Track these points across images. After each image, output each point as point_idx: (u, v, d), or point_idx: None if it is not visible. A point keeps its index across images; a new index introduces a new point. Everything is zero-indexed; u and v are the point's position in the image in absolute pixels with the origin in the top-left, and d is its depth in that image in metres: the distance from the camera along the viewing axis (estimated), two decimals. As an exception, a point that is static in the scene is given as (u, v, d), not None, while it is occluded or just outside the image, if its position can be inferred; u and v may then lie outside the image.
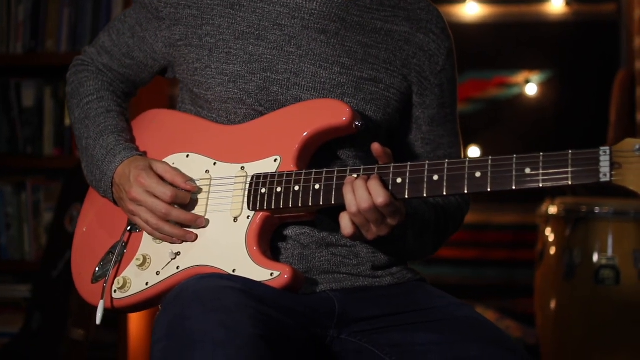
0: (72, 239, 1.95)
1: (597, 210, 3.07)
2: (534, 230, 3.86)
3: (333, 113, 1.69)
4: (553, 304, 3.21)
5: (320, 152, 1.73)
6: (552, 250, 3.21)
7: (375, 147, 1.61)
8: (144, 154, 1.83)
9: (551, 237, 3.24)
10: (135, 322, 3.50)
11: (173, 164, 1.80)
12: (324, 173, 1.65)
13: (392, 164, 1.61)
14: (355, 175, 1.61)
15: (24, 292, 3.67)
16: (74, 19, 3.73)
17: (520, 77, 4.10)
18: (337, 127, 1.69)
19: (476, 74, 4.03)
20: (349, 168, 1.64)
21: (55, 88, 3.75)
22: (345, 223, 1.60)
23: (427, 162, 1.59)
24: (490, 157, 1.55)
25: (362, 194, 1.58)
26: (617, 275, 3.01)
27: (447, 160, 1.57)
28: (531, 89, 4.08)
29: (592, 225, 3.07)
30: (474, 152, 4.25)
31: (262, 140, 1.74)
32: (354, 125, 1.68)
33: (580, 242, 3.08)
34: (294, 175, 1.67)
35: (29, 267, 3.68)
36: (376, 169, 1.62)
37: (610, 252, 3.04)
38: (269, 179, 1.69)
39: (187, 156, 1.80)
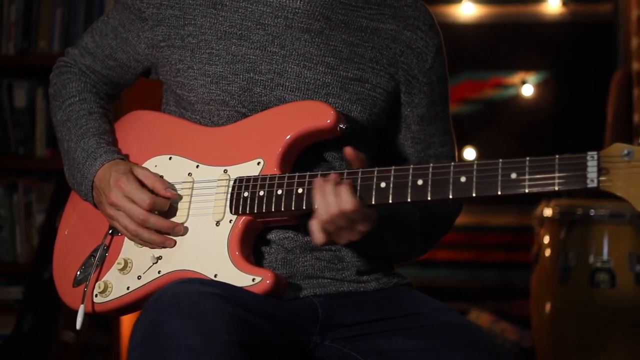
0: None
1: (592, 212, 3.04)
2: (530, 232, 3.83)
3: (317, 115, 1.67)
4: (548, 307, 3.18)
5: (305, 154, 1.71)
6: (547, 253, 3.18)
7: (348, 151, 1.58)
8: (126, 157, 1.80)
9: (546, 240, 3.21)
10: (128, 324, 3.48)
11: (155, 166, 1.77)
12: (307, 177, 1.63)
13: (376, 168, 1.58)
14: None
15: (16, 294, 3.64)
16: (66, 19, 3.71)
17: (516, 77, 4.07)
18: (321, 129, 1.67)
19: (472, 74, 4.00)
20: (331, 172, 1.61)
21: (48, 89, 3.71)
22: (317, 230, 1.57)
23: (412, 166, 1.56)
24: (475, 162, 1.52)
25: (330, 199, 1.55)
26: (612, 278, 2.98)
27: (431, 165, 1.55)
28: (527, 90, 4.06)
29: (587, 227, 3.04)
30: (469, 153, 4.22)
31: (245, 143, 1.71)
32: (338, 128, 1.66)
33: (576, 244, 3.05)
34: (277, 179, 1.64)
35: (21, 269, 3.65)
36: (360, 173, 1.59)
37: (605, 255, 3.01)
38: (251, 182, 1.66)
39: (170, 158, 1.78)
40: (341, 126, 1.66)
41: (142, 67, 1.88)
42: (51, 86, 1.95)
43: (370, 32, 1.77)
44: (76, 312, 1.79)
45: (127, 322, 3.49)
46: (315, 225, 1.57)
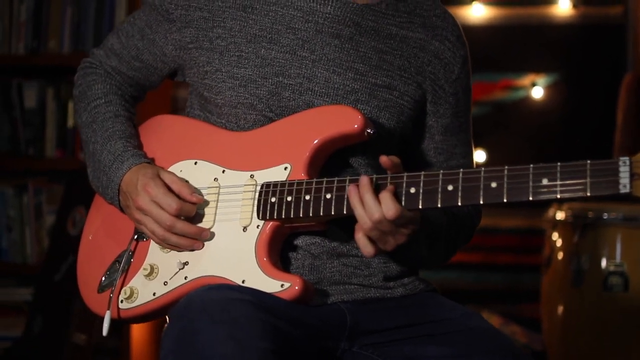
0: (76, 243, 1.93)
1: (605, 216, 3.04)
2: (540, 234, 3.83)
3: (345, 120, 1.66)
4: (560, 310, 3.18)
5: (332, 160, 1.70)
6: (560, 256, 3.18)
7: (383, 159, 1.58)
8: (152, 160, 1.80)
9: (559, 243, 3.21)
10: (139, 326, 3.47)
11: (180, 171, 1.77)
12: (336, 182, 1.62)
13: (406, 174, 1.58)
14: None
15: (26, 295, 3.63)
16: (76, 19, 3.70)
17: (526, 80, 4.07)
18: (348, 134, 1.66)
19: (482, 76, 3.99)
20: (363, 177, 1.60)
21: (58, 89, 3.72)
22: (363, 242, 1.57)
23: (442, 171, 1.55)
24: (506, 167, 1.52)
25: (371, 205, 1.54)
26: (625, 282, 2.98)
27: (461, 170, 1.54)
28: (537, 92, 4.05)
29: (600, 231, 3.04)
30: (479, 155, 4.21)
31: (271, 148, 1.71)
32: (365, 133, 1.65)
33: (589, 248, 3.05)
34: (304, 184, 1.64)
35: (31, 270, 3.64)
36: (389, 178, 1.58)
37: (618, 258, 3.01)
38: (279, 188, 1.66)
39: (195, 163, 1.77)
40: (369, 131, 1.65)
41: (169, 69, 1.87)
42: (76, 87, 1.94)
43: (399, 40, 1.77)
44: (90, 314, 1.79)
45: (138, 324, 3.48)
46: (361, 238, 1.56)
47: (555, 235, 3.25)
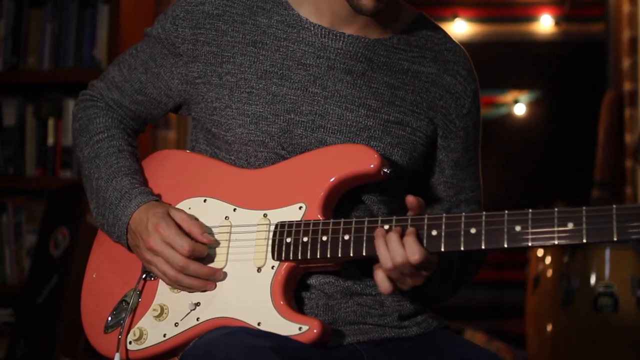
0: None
1: (595, 237, 3.04)
2: (524, 250, 3.85)
3: (361, 159, 1.64)
4: (549, 328, 3.19)
5: (344, 196, 1.67)
6: (549, 275, 3.19)
7: (410, 200, 1.56)
8: (159, 197, 1.76)
9: (547, 261, 3.22)
10: (125, 351, 3.42)
11: (189, 209, 1.73)
12: (354, 223, 1.59)
13: (427, 215, 1.56)
14: (386, 227, 1.56)
15: (6, 316, 3.57)
16: (56, 35, 3.65)
17: (508, 96, 4.08)
18: (365, 174, 1.64)
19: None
20: (380, 218, 1.58)
21: (37, 106, 3.67)
22: (382, 280, 1.55)
23: (464, 214, 1.54)
24: (530, 211, 1.51)
25: (395, 247, 1.52)
26: (615, 302, 2.99)
27: (484, 213, 1.53)
28: (520, 109, 4.07)
29: (590, 252, 3.06)
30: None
31: (285, 186, 1.68)
32: (382, 172, 1.63)
33: (579, 268, 3.06)
34: (321, 225, 1.61)
35: (11, 291, 3.59)
36: (409, 220, 1.57)
37: (608, 279, 3.03)
38: (294, 228, 1.63)
39: (205, 201, 1.73)
40: (385, 170, 1.63)
41: (174, 103, 1.83)
42: (75, 120, 1.89)
43: (411, 75, 1.75)
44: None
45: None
46: (380, 275, 1.55)
47: (544, 254, 3.26)
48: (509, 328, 4.10)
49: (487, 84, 4.20)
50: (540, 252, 3.37)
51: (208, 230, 1.69)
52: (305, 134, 1.69)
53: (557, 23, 4.04)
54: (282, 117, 1.69)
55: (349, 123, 1.69)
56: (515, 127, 4.08)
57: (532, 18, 4.07)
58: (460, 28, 4.16)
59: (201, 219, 1.71)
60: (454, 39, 1.83)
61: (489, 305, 4.22)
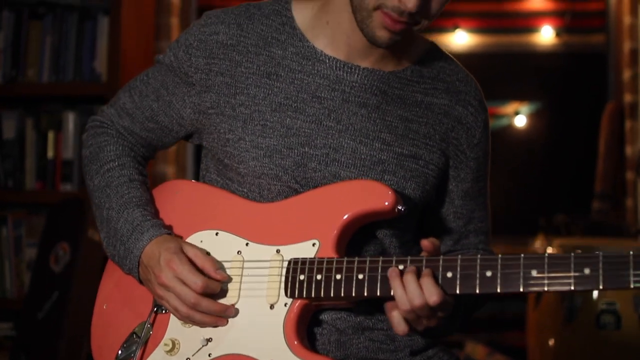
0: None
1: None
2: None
3: (374, 197, 1.63)
4: (552, 342, 3.19)
5: (356, 232, 1.66)
6: (551, 294, 3.18)
7: (425, 244, 1.55)
8: (171, 229, 1.75)
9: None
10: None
11: (201, 241, 1.72)
12: (368, 262, 1.58)
13: (442, 257, 1.55)
14: (400, 267, 1.55)
15: (6, 330, 3.55)
16: (56, 48, 3.63)
17: (509, 108, 4.08)
18: (379, 211, 1.63)
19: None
20: (394, 258, 1.57)
21: (37, 119, 3.65)
22: (398, 321, 1.54)
23: (479, 256, 1.53)
24: (546, 255, 1.50)
25: (413, 289, 1.51)
26: (618, 320, 2.99)
27: (500, 256, 1.52)
28: (520, 121, 4.07)
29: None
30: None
31: (298, 222, 1.66)
32: (396, 210, 1.62)
33: (581, 286, 3.05)
34: (334, 263, 1.60)
35: (11, 305, 3.57)
36: (424, 261, 1.56)
37: (611, 297, 3.03)
38: (307, 265, 1.62)
39: (217, 234, 1.72)
40: (399, 208, 1.62)
41: (185, 132, 1.82)
42: (86, 147, 1.87)
43: (424, 107, 1.74)
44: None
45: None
46: (396, 317, 1.54)
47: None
48: (509, 341, 4.11)
49: (487, 95, 4.19)
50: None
51: (221, 266, 1.68)
52: (319, 168, 1.68)
53: (558, 34, 4.04)
54: (296, 151, 1.68)
55: (363, 157, 1.68)
56: (516, 138, 4.07)
57: (533, 29, 4.07)
58: (461, 39, 4.15)
59: (213, 253, 1.70)
60: (464, 69, 1.83)
61: (489, 318, 4.22)
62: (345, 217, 1.63)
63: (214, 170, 1.79)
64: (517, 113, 4.06)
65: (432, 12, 1.63)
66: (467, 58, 4.00)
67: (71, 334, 3.17)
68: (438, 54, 1.80)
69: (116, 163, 1.81)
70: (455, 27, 4.14)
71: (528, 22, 4.06)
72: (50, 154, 3.62)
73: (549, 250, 3.24)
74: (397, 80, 1.73)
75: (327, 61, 1.70)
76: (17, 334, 3.39)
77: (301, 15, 1.75)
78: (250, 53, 1.72)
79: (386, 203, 1.61)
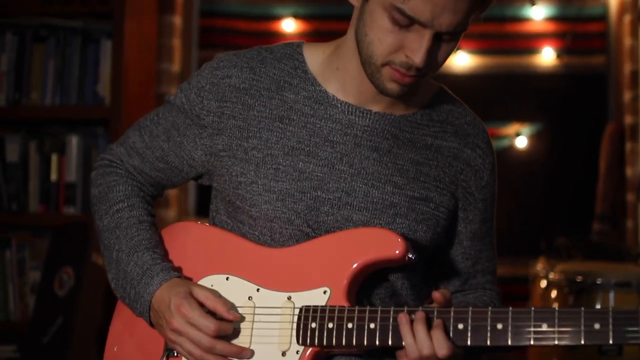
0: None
1: (599, 281, 3.08)
2: (523, 282, 3.87)
3: (385, 245, 1.64)
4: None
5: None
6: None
7: (436, 296, 1.57)
8: (180, 271, 1.76)
9: (553, 302, 3.24)
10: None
11: (211, 286, 1.73)
12: (379, 312, 1.60)
13: (453, 308, 1.57)
14: (412, 316, 1.57)
15: (9, 352, 3.56)
16: (59, 71, 3.63)
17: (510, 129, 4.10)
18: (389, 259, 1.64)
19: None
20: (406, 309, 1.59)
21: (40, 142, 3.65)
22: None
23: (490, 309, 1.54)
24: (557, 309, 1.52)
25: (423, 339, 1.53)
26: (619, 347, 3.01)
27: (511, 309, 1.54)
28: (521, 142, 4.08)
29: (594, 295, 3.08)
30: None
31: (309, 268, 1.68)
32: (407, 258, 1.64)
33: (584, 311, 3.07)
34: (346, 312, 1.61)
35: (15, 327, 3.57)
36: (435, 312, 1.58)
37: (613, 322, 3.04)
38: (319, 313, 1.63)
39: (227, 279, 1.73)
40: (410, 256, 1.64)
41: (196, 172, 1.83)
42: (95, 186, 1.88)
43: (434, 150, 1.76)
44: None
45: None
46: None
47: (549, 295, 3.28)
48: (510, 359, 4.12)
49: (489, 116, 4.22)
50: (543, 284, 3.39)
51: (232, 306, 1.68)
52: (331, 212, 1.69)
53: (558, 56, 4.05)
54: (308, 195, 1.69)
55: (375, 200, 1.70)
56: (517, 159, 4.09)
57: (534, 50, 4.08)
58: (462, 60, 4.16)
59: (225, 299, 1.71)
60: (472, 112, 1.85)
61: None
62: (356, 265, 1.65)
63: (224, 212, 1.80)
64: (518, 134, 4.07)
65: (439, 63, 1.65)
66: (469, 79, 4.02)
67: (76, 359, 3.18)
68: (446, 97, 1.82)
69: (125, 204, 1.82)
70: (457, 49, 4.15)
71: (529, 43, 4.08)
72: (53, 176, 3.63)
73: (551, 276, 3.26)
74: (408, 124, 1.74)
75: (339, 105, 1.72)
76: (22, 358, 3.40)
77: (313, 59, 1.77)
78: (262, 97, 1.74)
79: (397, 252, 1.63)
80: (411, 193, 1.71)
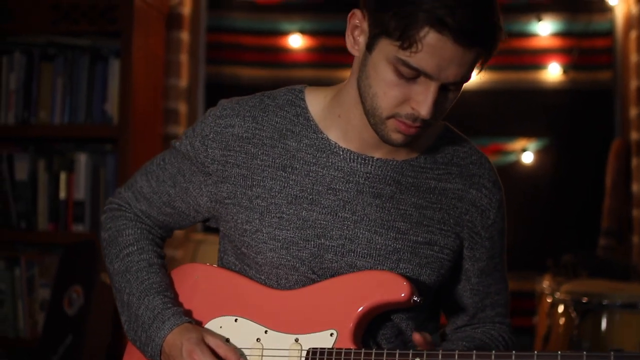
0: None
1: (604, 302, 3.08)
2: (530, 297, 3.88)
3: (391, 288, 1.66)
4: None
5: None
6: (561, 336, 3.22)
7: (416, 338, 1.59)
8: (190, 314, 1.78)
9: (557, 322, 3.25)
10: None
11: (220, 327, 1.75)
12: (385, 355, 1.62)
13: (457, 352, 1.59)
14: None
15: (18, 370, 3.60)
16: (68, 89, 3.65)
17: (516, 144, 4.10)
18: (395, 302, 1.67)
19: (472, 140, 4.01)
20: (410, 352, 1.61)
21: (49, 161, 3.67)
22: None
23: (494, 352, 1.56)
24: (559, 353, 1.53)
25: None
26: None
27: (514, 353, 1.55)
28: (527, 157, 4.08)
29: (600, 316, 3.08)
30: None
31: (316, 311, 1.70)
32: (412, 301, 1.66)
33: (589, 332, 3.09)
34: (352, 354, 1.64)
35: (24, 344, 3.60)
36: (440, 354, 1.60)
37: (618, 343, 3.06)
38: (326, 356, 1.65)
39: (236, 320, 1.76)
40: (415, 299, 1.66)
41: (202, 217, 1.86)
42: (104, 230, 1.91)
43: (438, 192, 1.76)
44: None
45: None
46: None
47: (554, 314, 3.29)
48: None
49: (495, 132, 4.26)
50: (549, 302, 3.40)
51: (242, 354, 1.71)
52: (335, 259, 1.71)
53: (565, 71, 4.05)
54: (312, 242, 1.71)
55: (378, 246, 1.71)
56: (523, 175, 4.09)
57: (540, 66, 4.07)
58: (468, 76, 4.16)
59: (232, 339, 1.73)
60: (478, 150, 1.85)
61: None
62: (361, 308, 1.67)
63: (232, 254, 1.82)
64: (524, 150, 4.07)
65: (444, 111, 1.65)
66: (475, 95, 4.02)
67: (85, 378, 3.21)
68: (451, 136, 1.83)
69: (135, 247, 1.85)
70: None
71: (535, 59, 4.07)
72: (62, 195, 3.65)
73: (557, 295, 3.27)
74: (411, 169, 1.75)
75: (341, 153, 1.73)
76: (32, 377, 3.43)
77: (314, 105, 1.78)
78: (265, 145, 1.75)
79: (402, 294, 1.65)
80: (414, 238, 1.73)
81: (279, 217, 1.72)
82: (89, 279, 3.31)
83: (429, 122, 1.62)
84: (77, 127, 3.63)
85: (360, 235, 1.71)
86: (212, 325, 1.77)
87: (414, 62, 1.55)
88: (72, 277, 3.37)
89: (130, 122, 3.59)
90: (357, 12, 1.64)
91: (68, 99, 3.64)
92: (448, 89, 1.61)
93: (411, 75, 1.57)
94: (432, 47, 1.53)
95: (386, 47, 1.57)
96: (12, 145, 3.71)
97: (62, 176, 3.65)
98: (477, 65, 1.61)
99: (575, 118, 4.07)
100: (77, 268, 3.37)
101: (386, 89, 1.60)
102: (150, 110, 3.81)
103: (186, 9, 4.08)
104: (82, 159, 3.64)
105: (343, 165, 1.73)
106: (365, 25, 1.62)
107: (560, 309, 3.21)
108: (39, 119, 3.65)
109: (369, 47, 1.61)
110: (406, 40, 1.53)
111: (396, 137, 1.65)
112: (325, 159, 1.74)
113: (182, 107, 4.07)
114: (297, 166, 1.74)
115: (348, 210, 1.72)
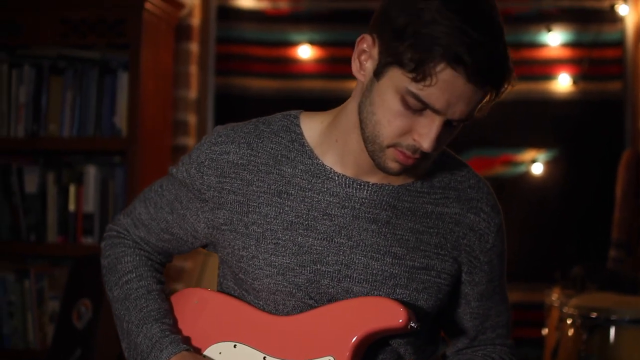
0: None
1: (613, 317, 3.07)
2: (538, 308, 3.86)
3: (388, 315, 1.66)
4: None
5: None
6: (569, 350, 3.20)
7: None
8: (189, 341, 1.79)
9: (566, 336, 3.24)
10: None
11: (220, 353, 1.76)
12: (382, 381, 1.63)
13: None
14: None
15: (29, 382, 3.62)
16: (77, 103, 3.67)
17: (526, 155, 4.08)
18: (392, 329, 1.67)
19: (482, 151, 4.00)
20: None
21: (58, 173, 3.69)
22: None
23: None
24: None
25: None
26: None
27: None
28: (537, 168, 4.06)
29: (608, 331, 3.07)
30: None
31: (314, 337, 1.70)
32: (409, 327, 1.66)
33: (597, 347, 3.08)
34: None
35: (34, 356, 3.62)
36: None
37: (626, 359, 3.04)
38: (322, 383, 1.66)
39: (235, 346, 1.76)
40: (412, 325, 1.66)
41: (200, 243, 1.86)
42: (104, 257, 1.92)
43: (435, 217, 1.76)
44: None
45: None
46: None
47: (563, 327, 3.27)
48: (525, 387, 4.11)
49: (504, 143, 4.24)
50: (558, 315, 3.39)
51: None
52: (331, 284, 1.71)
53: (575, 82, 4.03)
54: (308, 268, 1.71)
55: (374, 272, 1.71)
56: (533, 185, 4.07)
57: (550, 77, 4.06)
58: (477, 86, 4.15)
59: None
60: (476, 174, 1.84)
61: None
62: (357, 336, 1.67)
63: (231, 279, 1.83)
64: (534, 161, 4.06)
65: (443, 144, 1.65)
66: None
67: (93, 391, 3.22)
68: (449, 160, 1.82)
69: (134, 274, 1.86)
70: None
71: (545, 69, 4.05)
72: (71, 207, 3.67)
73: (565, 309, 3.25)
74: (407, 193, 1.75)
75: (337, 178, 1.73)
76: (41, 390, 3.45)
77: (310, 130, 1.78)
78: (260, 172, 1.76)
79: (400, 321, 1.65)
80: (411, 263, 1.73)
81: (274, 243, 1.73)
82: (97, 292, 3.32)
83: (428, 155, 1.62)
84: (86, 139, 3.65)
85: (357, 261, 1.71)
86: (212, 351, 1.77)
87: (424, 96, 1.55)
88: (80, 290, 3.38)
89: (139, 134, 3.61)
90: (367, 37, 1.63)
91: (77, 111, 3.67)
92: (451, 125, 1.60)
93: (418, 107, 1.57)
94: (445, 82, 1.52)
95: (397, 77, 1.57)
96: (22, 158, 3.73)
97: (72, 189, 3.68)
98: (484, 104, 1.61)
99: (585, 129, 4.04)
100: (85, 281, 3.39)
101: (391, 118, 1.59)
102: (159, 121, 3.82)
103: (195, 20, 4.09)
104: (91, 172, 3.66)
105: (339, 190, 1.73)
106: (375, 52, 1.61)
107: (569, 323, 3.20)
108: (49, 131, 3.68)
109: (377, 74, 1.60)
110: (420, 73, 1.53)
111: (393, 166, 1.64)
112: (320, 185, 1.74)
113: (192, 119, 4.08)
114: (293, 192, 1.74)
115: (344, 235, 1.72)
